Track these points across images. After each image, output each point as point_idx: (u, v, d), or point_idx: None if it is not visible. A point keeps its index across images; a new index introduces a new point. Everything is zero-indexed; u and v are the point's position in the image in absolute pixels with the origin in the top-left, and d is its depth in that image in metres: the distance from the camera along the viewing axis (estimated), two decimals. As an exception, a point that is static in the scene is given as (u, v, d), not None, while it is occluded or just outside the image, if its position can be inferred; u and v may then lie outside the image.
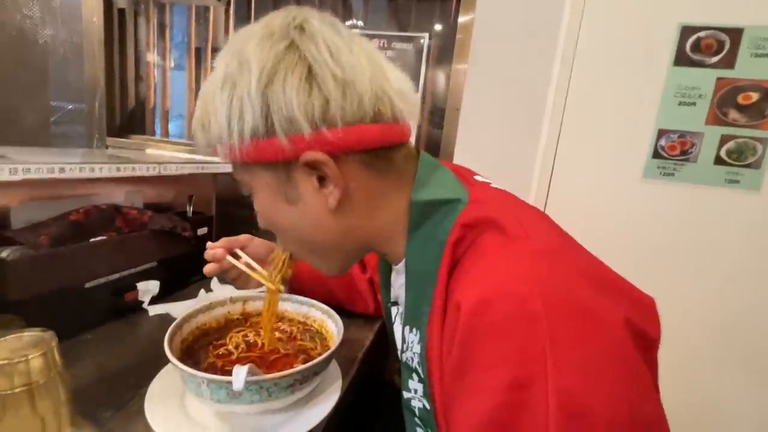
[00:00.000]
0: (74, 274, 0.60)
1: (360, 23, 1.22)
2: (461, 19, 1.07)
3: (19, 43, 1.15)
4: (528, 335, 0.28)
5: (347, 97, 0.34)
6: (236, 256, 0.57)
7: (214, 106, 0.35)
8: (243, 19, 1.23)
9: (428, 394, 0.37)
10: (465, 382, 0.31)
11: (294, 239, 0.43)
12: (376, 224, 0.41)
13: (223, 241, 0.59)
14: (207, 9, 1.22)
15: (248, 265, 0.55)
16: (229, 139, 0.35)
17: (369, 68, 0.35)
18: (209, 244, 0.59)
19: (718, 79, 0.91)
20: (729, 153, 0.93)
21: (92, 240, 0.63)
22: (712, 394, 1.02)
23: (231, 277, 0.61)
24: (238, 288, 0.64)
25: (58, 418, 0.39)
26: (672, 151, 0.96)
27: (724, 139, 0.93)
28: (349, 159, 0.36)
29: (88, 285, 0.62)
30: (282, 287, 0.52)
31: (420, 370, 0.39)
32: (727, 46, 0.90)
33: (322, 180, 0.37)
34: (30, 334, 0.40)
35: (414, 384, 0.41)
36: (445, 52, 1.15)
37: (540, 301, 0.28)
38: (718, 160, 0.94)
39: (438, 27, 1.16)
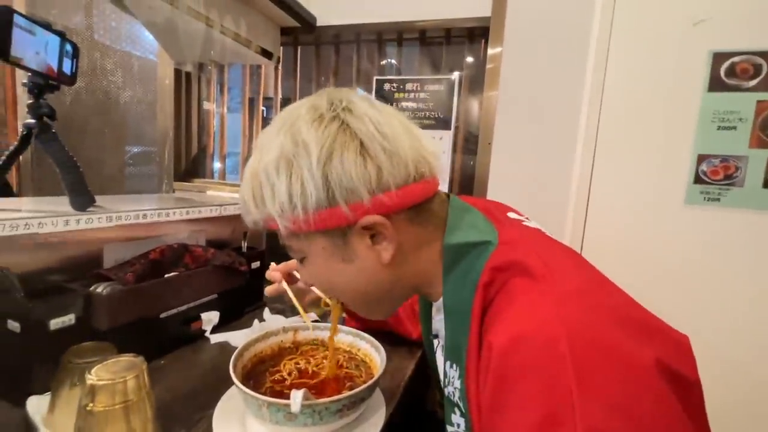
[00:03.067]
0: (153, 306, 0.69)
1: (394, 62, 1.31)
2: (491, 51, 1.12)
3: (104, 104, 1.35)
4: (554, 377, 0.29)
5: (395, 164, 0.39)
6: (294, 278, 0.64)
7: (270, 183, 0.39)
8: (290, 72, 1.37)
9: (470, 429, 0.38)
10: (498, 420, 0.32)
11: (348, 294, 0.46)
12: (420, 269, 0.45)
13: (282, 265, 0.66)
14: (259, 66, 1.38)
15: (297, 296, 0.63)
16: (292, 212, 0.39)
17: (406, 136, 0.41)
18: (272, 265, 0.66)
19: (759, 102, 0.89)
20: (778, 176, 0.89)
21: (166, 276, 0.72)
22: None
23: (287, 299, 0.67)
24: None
25: (145, 432, 0.46)
26: (715, 176, 0.94)
27: (771, 162, 0.90)
28: (399, 217, 0.41)
29: (162, 315, 0.71)
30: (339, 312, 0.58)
31: (461, 405, 0.41)
32: (764, 70, 0.88)
33: (373, 237, 0.41)
34: (125, 359, 0.47)
35: (456, 418, 0.43)
36: (476, 82, 1.21)
37: (566, 343, 0.29)
38: (767, 184, 0.90)
39: (469, 59, 1.23)
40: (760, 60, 0.89)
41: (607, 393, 0.29)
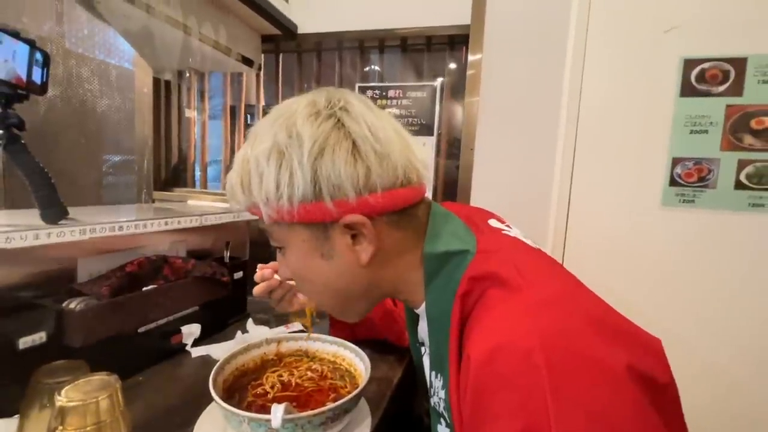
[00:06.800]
0: (130, 321, 0.67)
1: (377, 68, 1.32)
2: (471, 58, 1.14)
3: (80, 113, 1.31)
4: (530, 387, 0.29)
5: (384, 167, 0.39)
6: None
7: (260, 171, 0.40)
8: (272, 79, 1.36)
9: None
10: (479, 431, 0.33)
11: (323, 290, 0.46)
12: (399, 274, 0.45)
13: (273, 264, 0.64)
14: (240, 74, 1.36)
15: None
16: (277, 201, 0.39)
17: (398, 142, 0.42)
18: (260, 265, 0.65)
19: (728, 106, 0.93)
20: (749, 177, 0.92)
21: (144, 289, 0.70)
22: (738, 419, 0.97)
23: (275, 298, 0.66)
24: (280, 311, 0.68)
25: (120, 454, 0.44)
26: (689, 178, 0.97)
27: (742, 164, 0.93)
28: (382, 219, 0.41)
29: (140, 330, 0.69)
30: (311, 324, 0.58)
31: (446, 416, 0.41)
32: (732, 76, 0.92)
33: (354, 237, 0.41)
34: (98, 378, 0.45)
35: (442, 429, 0.43)
36: (458, 88, 1.22)
37: (541, 354, 0.30)
38: (739, 185, 0.93)
39: (451, 66, 1.24)
40: (727, 66, 0.92)
41: (582, 402, 0.29)
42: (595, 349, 0.31)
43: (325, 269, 0.43)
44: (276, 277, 0.63)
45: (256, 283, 0.64)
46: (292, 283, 0.62)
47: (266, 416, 0.44)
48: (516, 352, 0.31)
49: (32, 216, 0.64)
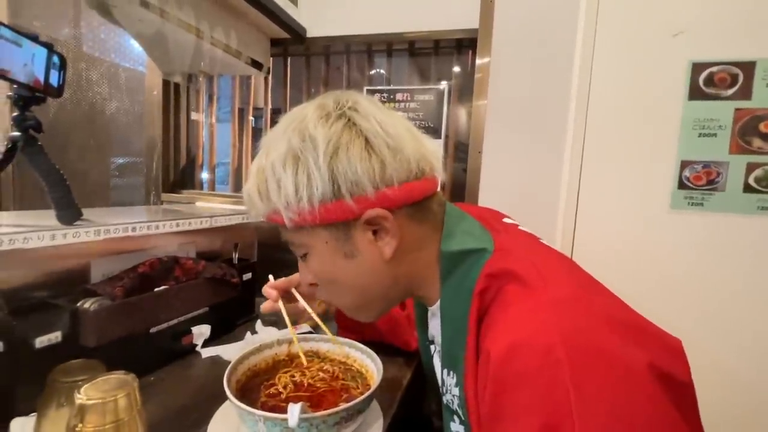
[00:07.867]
0: (142, 321, 0.67)
1: (384, 72, 1.32)
2: (479, 61, 1.14)
3: (90, 115, 1.32)
4: (552, 384, 0.29)
5: (398, 160, 0.40)
6: (291, 295, 0.64)
7: (277, 177, 0.40)
8: (280, 82, 1.37)
9: None
10: (498, 429, 0.33)
11: (348, 291, 0.47)
12: (417, 271, 0.45)
13: (280, 281, 0.65)
14: (249, 76, 1.38)
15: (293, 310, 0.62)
16: (297, 204, 0.40)
17: (409, 137, 0.42)
18: (270, 280, 0.65)
19: (737, 110, 0.93)
20: (758, 180, 0.92)
21: (156, 290, 0.71)
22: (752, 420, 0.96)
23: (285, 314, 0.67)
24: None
25: (137, 452, 0.44)
26: (698, 181, 0.97)
27: (750, 167, 0.93)
28: (401, 212, 0.42)
29: (152, 330, 0.69)
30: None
31: (460, 413, 0.41)
32: (741, 79, 0.92)
33: (375, 233, 0.42)
34: (115, 377, 0.46)
35: (456, 426, 0.43)
36: (464, 91, 1.22)
37: (563, 350, 0.30)
38: (748, 188, 0.93)
39: (457, 69, 1.25)
40: (736, 70, 0.93)
41: (604, 398, 0.29)
42: (616, 346, 0.31)
43: (349, 269, 0.44)
44: (279, 304, 0.63)
45: (264, 297, 0.65)
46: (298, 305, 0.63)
47: (282, 415, 0.44)
48: (536, 348, 0.31)
49: (45, 217, 0.65)
